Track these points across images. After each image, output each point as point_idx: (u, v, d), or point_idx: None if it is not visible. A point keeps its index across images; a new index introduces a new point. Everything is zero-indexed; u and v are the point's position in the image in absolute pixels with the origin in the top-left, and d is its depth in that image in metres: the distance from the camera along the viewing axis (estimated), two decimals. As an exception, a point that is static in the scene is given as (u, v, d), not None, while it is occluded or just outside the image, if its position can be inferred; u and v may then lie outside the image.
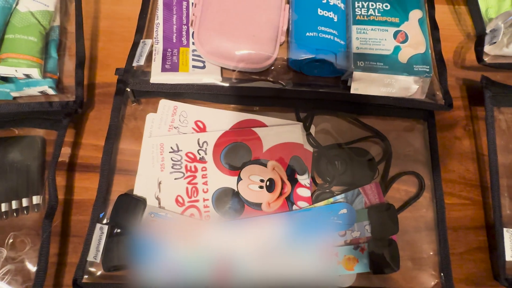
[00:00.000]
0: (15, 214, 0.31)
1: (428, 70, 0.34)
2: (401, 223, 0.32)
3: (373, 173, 0.34)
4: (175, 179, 0.32)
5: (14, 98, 0.34)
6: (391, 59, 0.34)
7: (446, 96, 0.35)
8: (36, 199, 0.31)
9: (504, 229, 0.32)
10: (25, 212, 0.31)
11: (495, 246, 0.32)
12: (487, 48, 0.38)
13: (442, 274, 0.32)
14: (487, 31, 0.37)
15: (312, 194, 0.33)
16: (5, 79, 0.33)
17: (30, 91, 0.33)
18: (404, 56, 0.35)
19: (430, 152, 0.35)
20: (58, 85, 0.35)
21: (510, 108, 0.36)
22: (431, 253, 0.33)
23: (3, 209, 0.31)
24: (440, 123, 0.37)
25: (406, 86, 0.35)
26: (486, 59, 0.38)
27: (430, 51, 0.35)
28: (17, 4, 0.33)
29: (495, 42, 0.36)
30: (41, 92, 0.34)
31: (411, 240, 0.33)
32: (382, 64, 0.34)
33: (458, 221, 0.34)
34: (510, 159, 0.35)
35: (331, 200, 0.32)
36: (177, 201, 0.31)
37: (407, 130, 0.37)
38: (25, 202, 0.31)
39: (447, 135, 0.37)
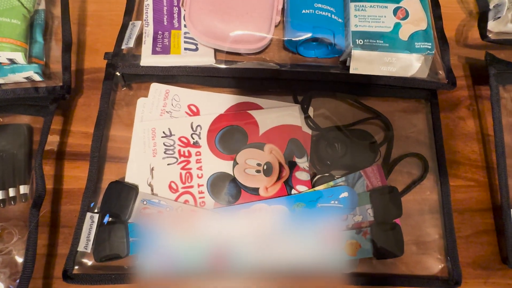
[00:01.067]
0: (1, 204, 0.30)
1: (430, 47, 0.33)
2: (405, 207, 0.31)
3: (374, 155, 0.32)
4: (168, 164, 0.30)
5: (0, 85, 0.33)
6: (391, 37, 0.33)
7: (449, 75, 0.34)
8: (23, 189, 0.30)
9: (512, 210, 0.31)
10: (12, 202, 0.30)
11: (502, 228, 0.31)
12: (490, 25, 0.36)
13: (448, 258, 0.30)
14: (491, 6, 0.36)
15: (311, 178, 0.32)
16: (-12, 65, 0.31)
17: (15, 77, 0.32)
18: (404, 33, 0.33)
19: (434, 133, 0.34)
20: (45, 71, 0.33)
21: (516, 86, 0.35)
22: (437, 237, 0.32)
23: (-11, 200, 0.30)
24: (443, 103, 0.36)
25: (407, 64, 0.33)
26: (489, 35, 0.36)
27: (431, 27, 0.34)
28: (-2, -14, 0.32)
29: (499, 17, 0.34)
30: (27, 78, 0.32)
31: (415, 224, 0.32)
32: (382, 42, 0.33)
33: (464, 203, 0.33)
34: (516, 138, 0.34)
35: (331, 183, 0.31)
36: (170, 187, 0.30)
37: (409, 111, 0.35)
38: (12, 192, 0.30)
39: (450, 115, 0.36)
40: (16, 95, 0.31)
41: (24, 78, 0.32)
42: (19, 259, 0.28)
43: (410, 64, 0.33)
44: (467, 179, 0.34)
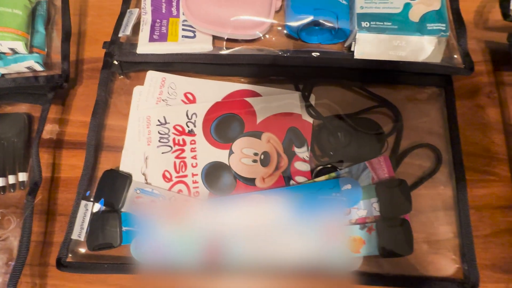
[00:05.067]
0: (1, 191, 0.30)
1: (444, 28, 0.30)
2: (415, 202, 0.28)
3: (381, 145, 0.30)
4: (162, 153, 0.30)
5: (3, 75, 0.33)
6: (400, 18, 0.31)
7: (466, 59, 0.31)
8: (22, 176, 0.30)
9: (539, 208, 0.28)
10: (11, 189, 0.30)
11: (527, 227, 0.28)
12: (514, 4, 0.33)
13: (464, 258, 0.28)
14: (514, -16, 0.33)
15: (312, 170, 0.30)
16: (-8, 56, 0.32)
17: (17, 67, 0.32)
18: (415, 14, 0.31)
19: (448, 122, 0.31)
20: (47, 62, 0.34)
21: (544, 70, 0.32)
22: (451, 235, 0.29)
23: (-11, 187, 0.30)
24: (459, 90, 0.33)
25: (418, 48, 0.31)
26: (513, 15, 0.33)
27: (446, 7, 0.31)
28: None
29: (524, -6, 0.31)
30: (28, 67, 0.33)
31: (427, 221, 0.29)
32: (390, 23, 0.31)
33: (482, 199, 0.30)
34: (544, 128, 0.31)
35: (333, 175, 0.29)
36: (164, 176, 0.29)
37: (421, 99, 0.33)
38: (11, 180, 0.30)
39: (467, 103, 0.33)
40: (17, 84, 0.31)
41: (25, 67, 0.33)
42: (16, 245, 0.28)
43: (422, 48, 0.31)
44: (487, 173, 0.31)
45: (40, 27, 0.34)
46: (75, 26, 0.35)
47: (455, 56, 0.32)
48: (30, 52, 0.32)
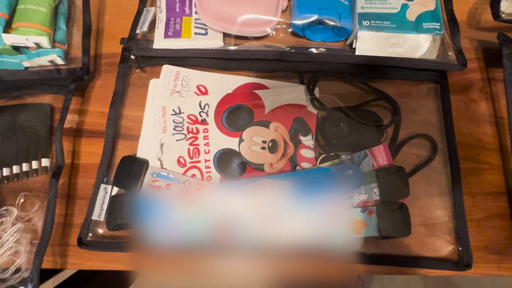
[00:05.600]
0: (25, 176, 0.32)
1: (438, 27, 0.33)
2: (413, 188, 0.31)
3: (380, 135, 0.32)
4: (177, 140, 0.32)
5: (26, 68, 0.35)
6: (398, 17, 0.33)
7: (460, 56, 0.33)
8: (44, 162, 0.32)
9: (527, 193, 0.30)
10: (34, 174, 0.32)
11: (517, 212, 0.30)
12: (504, 6, 0.35)
13: (458, 239, 0.30)
14: (504, -13, 0.35)
15: (317, 158, 0.32)
16: (17, 50, 0.34)
17: (40, 60, 0.34)
18: (412, 14, 0.33)
19: (443, 115, 0.33)
20: (67, 56, 0.36)
21: (532, 67, 0.34)
22: (446, 219, 0.31)
23: (14, 171, 0.32)
24: (454, 86, 0.35)
25: (415, 45, 0.33)
26: (502, 15, 0.35)
27: (440, 8, 0.34)
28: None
29: (512, -3, 0.34)
30: (51, 61, 0.35)
31: (423, 206, 0.31)
32: (389, 22, 0.33)
33: (475, 186, 0.32)
34: (533, 120, 0.33)
35: (336, 161, 0.31)
36: (179, 162, 0.31)
37: (419, 93, 0.35)
38: (34, 165, 0.32)
39: (461, 97, 0.35)
40: (41, 76, 0.33)
41: (48, 61, 0.35)
42: (39, 226, 0.30)
43: (418, 45, 0.33)
44: (480, 161, 0.33)
45: (62, 24, 0.36)
46: (93, 24, 0.37)
47: (450, 53, 0.34)
48: (53, 47, 0.34)
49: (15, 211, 0.31)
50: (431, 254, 0.30)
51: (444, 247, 0.30)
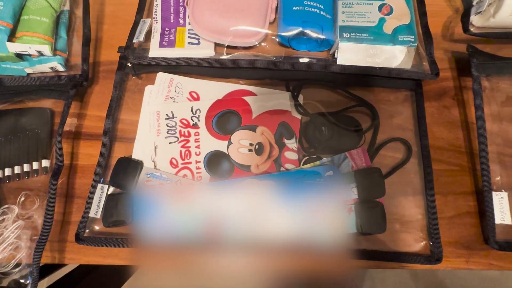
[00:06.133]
0: (26, 176, 0.34)
1: (413, 39, 0.36)
2: (389, 188, 0.33)
3: (359, 139, 0.35)
4: (169, 143, 0.34)
5: (28, 74, 0.38)
6: (376, 30, 0.36)
7: (433, 66, 0.36)
8: (45, 163, 0.34)
9: (493, 193, 0.32)
10: (35, 174, 0.34)
11: (484, 211, 0.32)
12: (474, 20, 0.39)
13: (430, 236, 0.32)
14: (474, 2, 0.38)
15: (300, 159, 0.34)
16: (20, 57, 0.36)
17: (41, 67, 0.37)
18: (389, 27, 0.36)
19: (418, 120, 0.36)
20: (67, 63, 0.38)
21: (498, 77, 0.37)
22: (419, 217, 0.33)
23: (16, 171, 0.34)
24: (428, 93, 0.38)
25: (391, 55, 0.36)
26: (472, 29, 0.38)
27: (415, 22, 0.36)
28: (32, -10, 0.37)
29: (480, 12, 0.37)
30: (52, 68, 0.37)
31: (399, 205, 0.34)
32: (367, 35, 0.36)
33: (447, 186, 0.35)
34: (498, 126, 0.36)
35: (318, 163, 0.33)
36: (171, 163, 0.33)
37: (396, 100, 0.38)
38: (35, 165, 0.34)
39: (435, 104, 0.38)
40: (42, 82, 0.36)
41: (49, 68, 0.37)
42: (39, 223, 0.32)
43: (394, 56, 0.36)
44: (451, 164, 0.36)
45: (63, 33, 0.38)
46: (93, 33, 0.40)
47: (424, 63, 0.37)
48: (54, 54, 0.37)
49: (16, 209, 0.32)
50: (405, 249, 0.32)
51: (417, 243, 0.33)
